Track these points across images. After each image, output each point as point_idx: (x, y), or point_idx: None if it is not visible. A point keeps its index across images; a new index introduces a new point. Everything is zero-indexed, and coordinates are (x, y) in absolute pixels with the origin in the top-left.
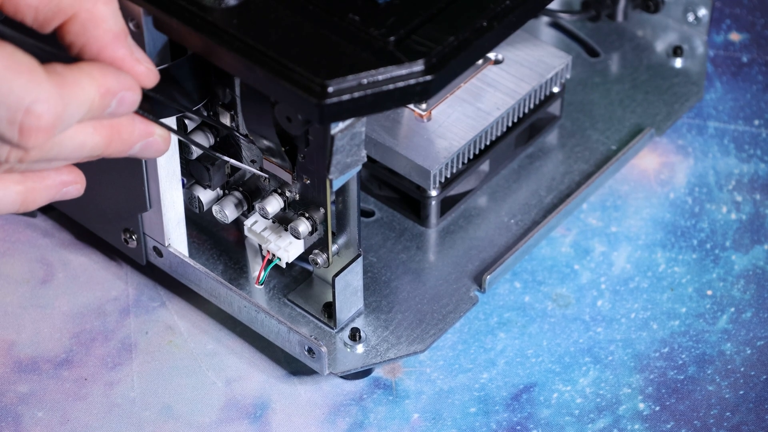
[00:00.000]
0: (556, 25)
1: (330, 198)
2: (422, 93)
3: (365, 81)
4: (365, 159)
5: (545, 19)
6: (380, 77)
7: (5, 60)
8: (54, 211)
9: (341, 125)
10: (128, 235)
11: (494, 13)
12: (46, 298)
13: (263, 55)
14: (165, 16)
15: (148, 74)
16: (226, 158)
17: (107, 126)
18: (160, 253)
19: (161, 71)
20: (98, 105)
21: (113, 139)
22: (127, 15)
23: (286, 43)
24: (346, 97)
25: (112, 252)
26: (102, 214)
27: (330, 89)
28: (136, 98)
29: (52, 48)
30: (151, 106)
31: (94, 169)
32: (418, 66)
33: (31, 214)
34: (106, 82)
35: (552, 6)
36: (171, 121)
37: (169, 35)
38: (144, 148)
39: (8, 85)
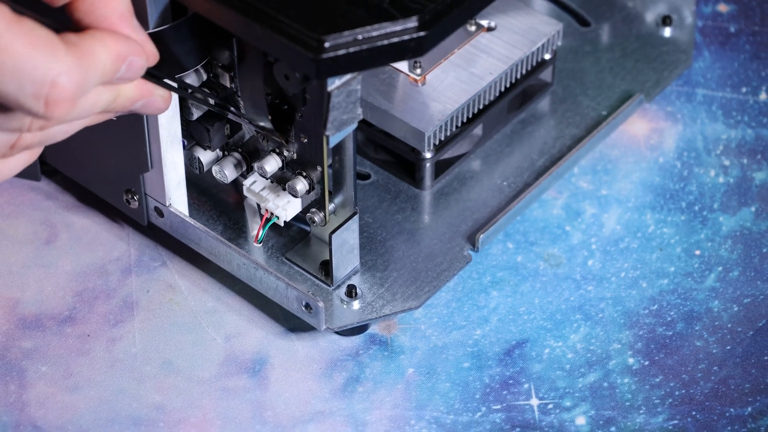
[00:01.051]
0: None
1: (327, 156)
2: (416, 49)
3: (360, 37)
4: (361, 116)
5: None
6: (375, 33)
7: (26, 36)
8: (57, 174)
9: (337, 82)
10: (130, 196)
11: None
12: (49, 258)
13: (261, 12)
14: None
15: (149, 55)
16: (232, 116)
17: (114, 84)
18: (161, 213)
19: (161, 32)
20: (110, 69)
21: (119, 96)
22: None
23: (284, 1)
24: (342, 52)
25: (114, 214)
26: (104, 175)
27: (326, 44)
28: (143, 63)
29: (59, 25)
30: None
31: (96, 130)
32: (412, 22)
33: (35, 177)
34: (117, 48)
35: None
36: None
37: None
38: (145, 106)
39: (32, 61)
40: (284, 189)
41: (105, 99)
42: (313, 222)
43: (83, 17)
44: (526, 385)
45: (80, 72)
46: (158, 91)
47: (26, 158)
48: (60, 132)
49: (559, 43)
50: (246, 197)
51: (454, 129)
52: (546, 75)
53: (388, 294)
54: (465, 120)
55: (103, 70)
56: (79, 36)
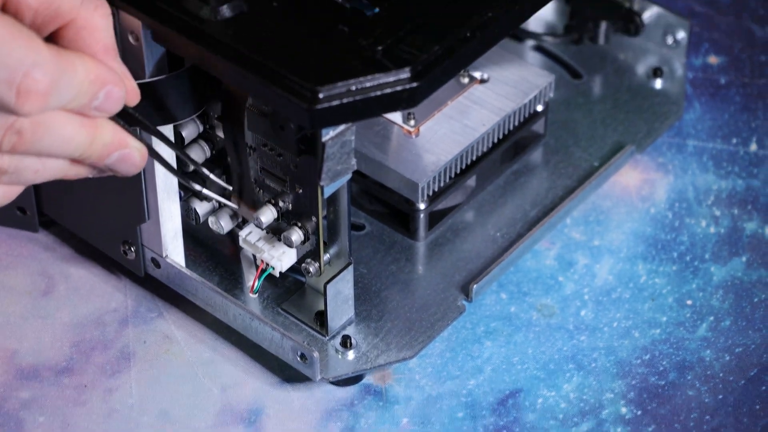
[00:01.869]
0: (540, 48)
1: (322, 206)
2: (409, 100)
3: (354, 87)
4: (355, 167)
5: (530, 42)
6: (368, 84)
7: (6, 27)
8: (55, 226)
9: (332, 132)
10: (127, 247)
11: (477, 24)
12: (47, 309)
13: (257, 63)
14: (163, 28)
15: (131, 92)
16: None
17: (92, 124)
18: (158, 264)
19: (158, 82)
20: (87, 90)
21: (95, 140)
22: (126, 27)
23: (279, 53)
24: (335, 102)
25: (112, 265)
26: (101, 226)
27: (321, 95)
28: (121, 95)
29: None
30: (130, 121)
31: (93, 182)
32: (405, 73)
33: (33, 228)
34: (96, 70)
35: (536, 29)
36: (168, 134)
37: (167, 47)
38: (120, 160)
39: (8, 49)
40: (279, 240)
41: (81, 138)
42: (308, 272)
43: (68, 45)
44: None
45: (56, 70)
46: (134, 143)
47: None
48: (30, 169)
49: (552, 95)
50: (242, 248)
51: (447, 180)
52: (539, 126)
53: (383, 344)
54: (458, 171)
55: (80, 87)
56: (63, 48)
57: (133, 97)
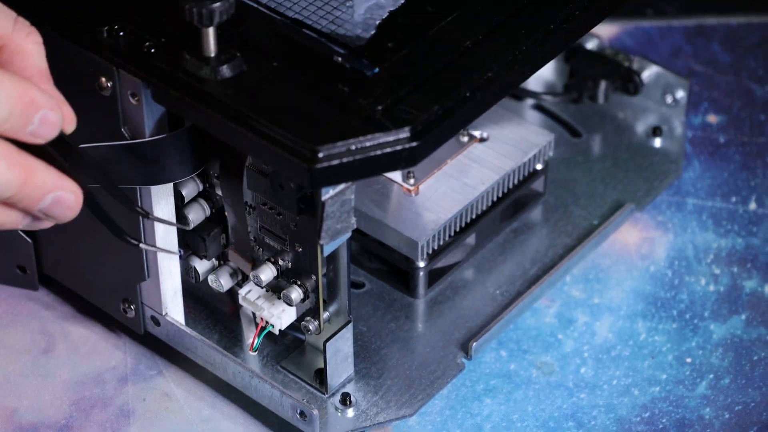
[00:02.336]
0: (539, 107)
1: (321, 265)
2: (408, 159)
3: (354, 147)
4: (354, 225)
5: (529, 101)
6: (368, 143)
7: None
8: (55, 285)
9: (331, 191)
10: (127, 305)
11: (477, 84)
12: (47, 368)
13: (257, 123)
14: (163, 87)
15: (66, 118)
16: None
17: (22, 164)
18: (157, 323)
19: (157, 141)
20: (20, 114)
21: (27, 181)
22: (126, 87)
23: (279, 112)
24: (335, 162)
25: (111, 323)
26: (101, 284)
27: (320, 154)
28: (57, 120)
29: None
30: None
31: (94, 239)
32: (404, 133)
33: (33, 287)
34: (30, 93)
35: (535, 88)
36: (168, 193)
37: (166, 106)
38: (55, 203)
39: None
40: (279, 298)
41: (8, 177)
42: (308, 330)
43: (1, 68)
44: None
45: None
46: (69, 185)
47: None
48: None
49: (551, 154)
50: (241, 306)
51: (447, 238)
52: (538, 185)
53: (383, 402)
54: (458, 229)
55: (12, 110)
56: None
57: (70, 124)
